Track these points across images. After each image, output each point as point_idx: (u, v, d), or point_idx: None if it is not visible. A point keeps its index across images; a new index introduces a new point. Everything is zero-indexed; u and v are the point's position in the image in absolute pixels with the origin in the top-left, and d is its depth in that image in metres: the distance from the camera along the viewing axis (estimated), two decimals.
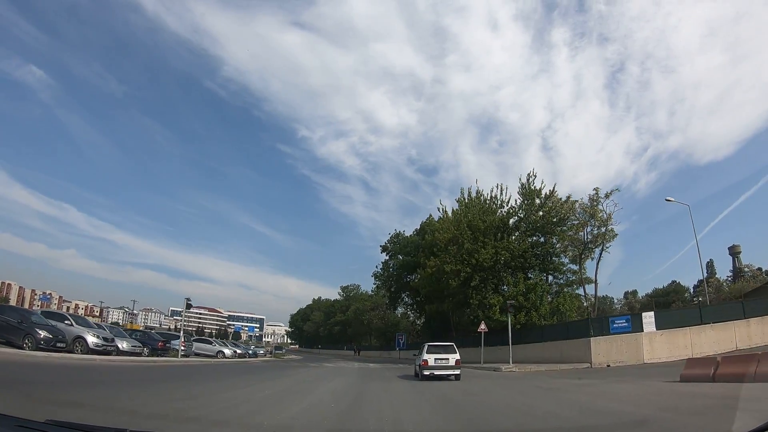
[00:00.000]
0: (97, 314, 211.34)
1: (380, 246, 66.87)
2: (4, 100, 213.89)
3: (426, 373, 19.25)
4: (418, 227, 61.79)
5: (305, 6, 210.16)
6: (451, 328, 52.03)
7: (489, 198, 42.39)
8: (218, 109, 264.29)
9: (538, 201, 40.69)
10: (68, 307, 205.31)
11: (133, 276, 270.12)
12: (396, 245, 64.64)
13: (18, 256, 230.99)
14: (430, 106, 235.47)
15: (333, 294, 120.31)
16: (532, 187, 41.35)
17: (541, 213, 40.06)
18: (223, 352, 42.66)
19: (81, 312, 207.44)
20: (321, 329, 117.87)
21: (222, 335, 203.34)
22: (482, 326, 34.37)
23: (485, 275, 38.85)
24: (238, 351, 45.92)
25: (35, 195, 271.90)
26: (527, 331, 36.06)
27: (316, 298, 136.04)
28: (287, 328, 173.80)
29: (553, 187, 40.92)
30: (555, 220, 39.49)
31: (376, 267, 68.62)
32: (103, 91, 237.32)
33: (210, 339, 45.71)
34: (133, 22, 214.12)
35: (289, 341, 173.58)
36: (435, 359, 19.43)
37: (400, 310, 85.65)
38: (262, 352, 67.04)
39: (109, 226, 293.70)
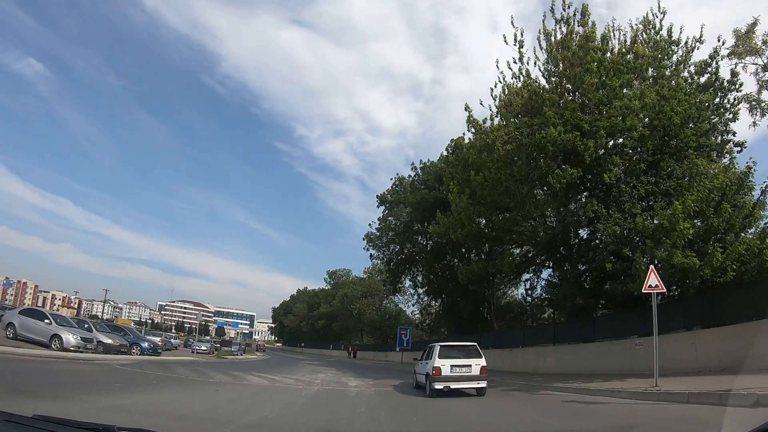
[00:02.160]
0: (75, 305, 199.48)
1: (376, 197, 45.64)
2: (2, 93, 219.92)
3: (438, 386, 13.55)
4: (442, 154, 40.03)
5: (305, 4, 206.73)
6: (491, 315, 30.93)
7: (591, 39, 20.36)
8: (216, 106, 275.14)
9: (677, 53, 19.37)
10: (44, 298, 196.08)
11: (128, 271, 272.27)
12: (399, 194, 43.34)
13: (13, 249, 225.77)
14: (429, 107, 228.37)
15: None
16: (659, 35, 19.99)
17: (689, 71, 18.83)
18: (59, 339, 21.55)
19: (58, 303, 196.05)
20: (303, 324, 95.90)
21: (202, 331, 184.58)
22: (653, 278, 11.59)
23: (632, 164, 16.63)
24: (106, 340, 24.74)
25: (31, 188, 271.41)
26: (727, 290, 14.45)
27: (301, 288, 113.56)
28: (271, 324, 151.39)
29: (701, 31, 19.62)
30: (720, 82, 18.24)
31: (370, 226, 47.31)
32: (101, 85, 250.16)
33: (46, 313, 24.70)
34: (133, 16, 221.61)
35: (274, 338, 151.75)
36: (452, 366, 13.87)
37: (398, 299, 64.69)
38: (205, 348, 45.67)
39: (105, 221, 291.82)
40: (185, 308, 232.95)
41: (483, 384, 14.01)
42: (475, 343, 15.43)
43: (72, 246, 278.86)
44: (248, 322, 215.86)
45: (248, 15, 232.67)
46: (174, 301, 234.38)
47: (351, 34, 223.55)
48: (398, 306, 68.27)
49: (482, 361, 14.22)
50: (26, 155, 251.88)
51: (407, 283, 47.96)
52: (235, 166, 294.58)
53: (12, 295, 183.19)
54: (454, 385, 13.71)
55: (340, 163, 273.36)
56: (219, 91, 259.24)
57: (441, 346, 15.06)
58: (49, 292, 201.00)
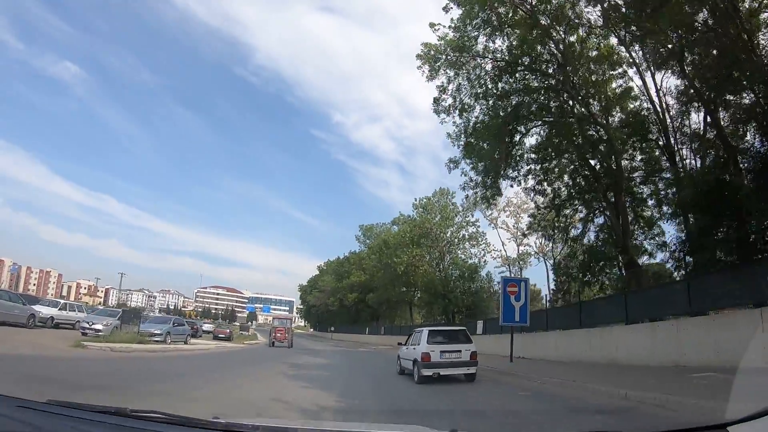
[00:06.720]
0: (101, 294, 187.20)
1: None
2: (42, 97, 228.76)
3: (426, 373, 13.39)
4: None
5: None
6: None
7: None
8: (251, 96, 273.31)
9: None
10: (69, 286, 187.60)
11: (172, 262, 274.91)
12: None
13: (61, 246, 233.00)
14: None
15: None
16: None
17: None
18: None
19: (83, 291, 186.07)
20: (331, 300, 70.52)
21: (228, 316, 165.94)
22: None
23: None
24: None
25: (75, 187, 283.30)
26: None
27: (332, 259, 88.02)
28: (299, 305, 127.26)
29: None
30: None
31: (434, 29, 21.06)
32: (136, 82, 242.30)
33: None
34: (163, 12, 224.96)
35: (296, 320, 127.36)
36: (441, 352, 13.65)
37: (473, 252, 39.29)
38: (101, 327, 20.86)
39: (148, 216, 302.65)
40: (218, 294, 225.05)
41: (473, 370, 14.09)
42: (464, 328, 16.05)
43: (117, 241, 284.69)
44: (287, 308, 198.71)
45: (278, 4, 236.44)
46: (206, 287, 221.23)
47: (382, 17, 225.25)
48: (470, 260, 42.20)
49: (472, 347, 14.34)
50: (69, 156, 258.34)
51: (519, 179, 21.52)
52: (273, 155, 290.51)
53: (34, 284, 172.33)
54: (444, 372, 13.67)
55: (377, 149, 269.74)
56: (253, 81, 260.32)
57: (429, 330, 14.94)
58: (75, 281, 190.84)
